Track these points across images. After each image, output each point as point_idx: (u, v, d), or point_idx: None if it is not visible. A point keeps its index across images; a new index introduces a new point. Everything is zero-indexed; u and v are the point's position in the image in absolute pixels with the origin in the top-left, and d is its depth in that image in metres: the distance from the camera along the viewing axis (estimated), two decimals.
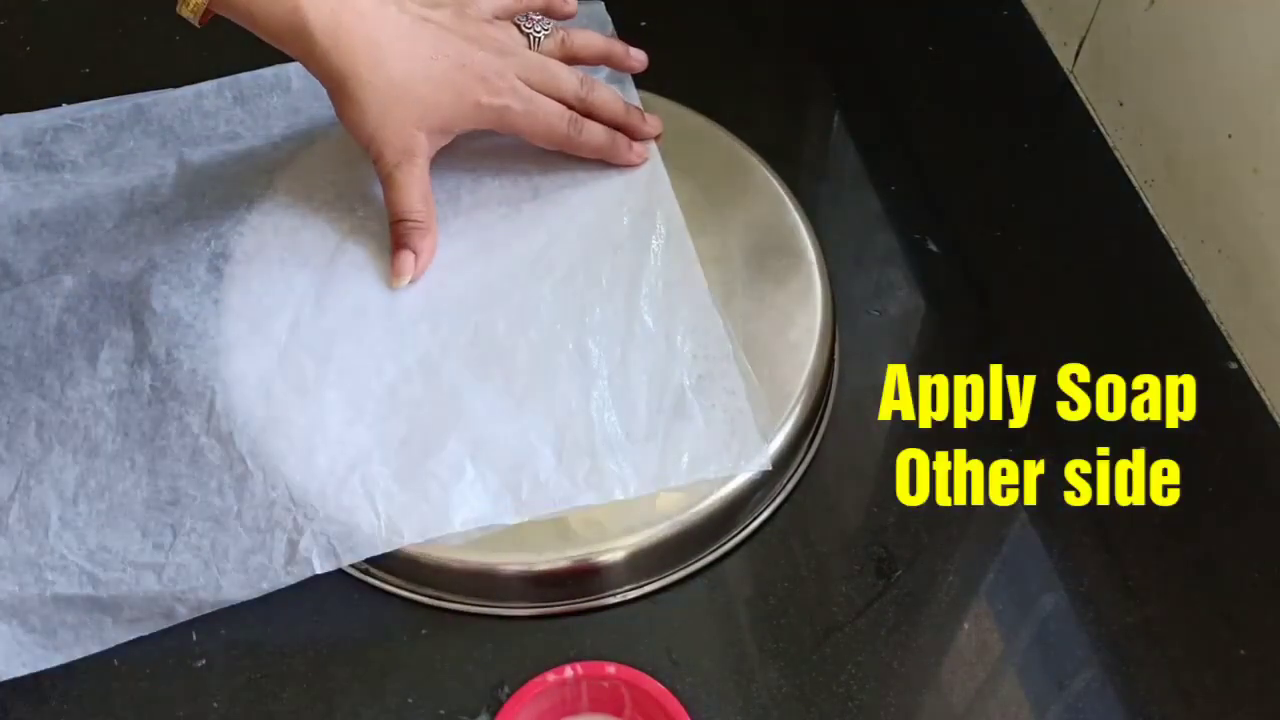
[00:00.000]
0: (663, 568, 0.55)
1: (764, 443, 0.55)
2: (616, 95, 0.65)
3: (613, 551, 0.53)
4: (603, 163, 0.64)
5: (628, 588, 0.54)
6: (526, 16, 0.64)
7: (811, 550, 0.56)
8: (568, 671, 0.48)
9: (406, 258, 0.59)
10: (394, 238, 0.60)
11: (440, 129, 0.60)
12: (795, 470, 0.58)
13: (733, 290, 0.60)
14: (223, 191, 0.64)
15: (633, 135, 0.65)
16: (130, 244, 0.62)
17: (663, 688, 0.48)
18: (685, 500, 0.54)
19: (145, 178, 0.65)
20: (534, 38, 0.63)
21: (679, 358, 0.57)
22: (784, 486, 0.58)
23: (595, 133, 0.63)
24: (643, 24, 0.76)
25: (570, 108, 0.62)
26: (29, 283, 0.61)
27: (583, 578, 0.54)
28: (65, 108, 0.69)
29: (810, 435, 0.59)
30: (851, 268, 0.65)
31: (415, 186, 0.59)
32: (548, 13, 0.65)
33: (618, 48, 0.67)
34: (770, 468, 0.55)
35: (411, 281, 0.60)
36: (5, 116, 0.69)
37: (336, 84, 0.58)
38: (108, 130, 0.68)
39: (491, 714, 0.51)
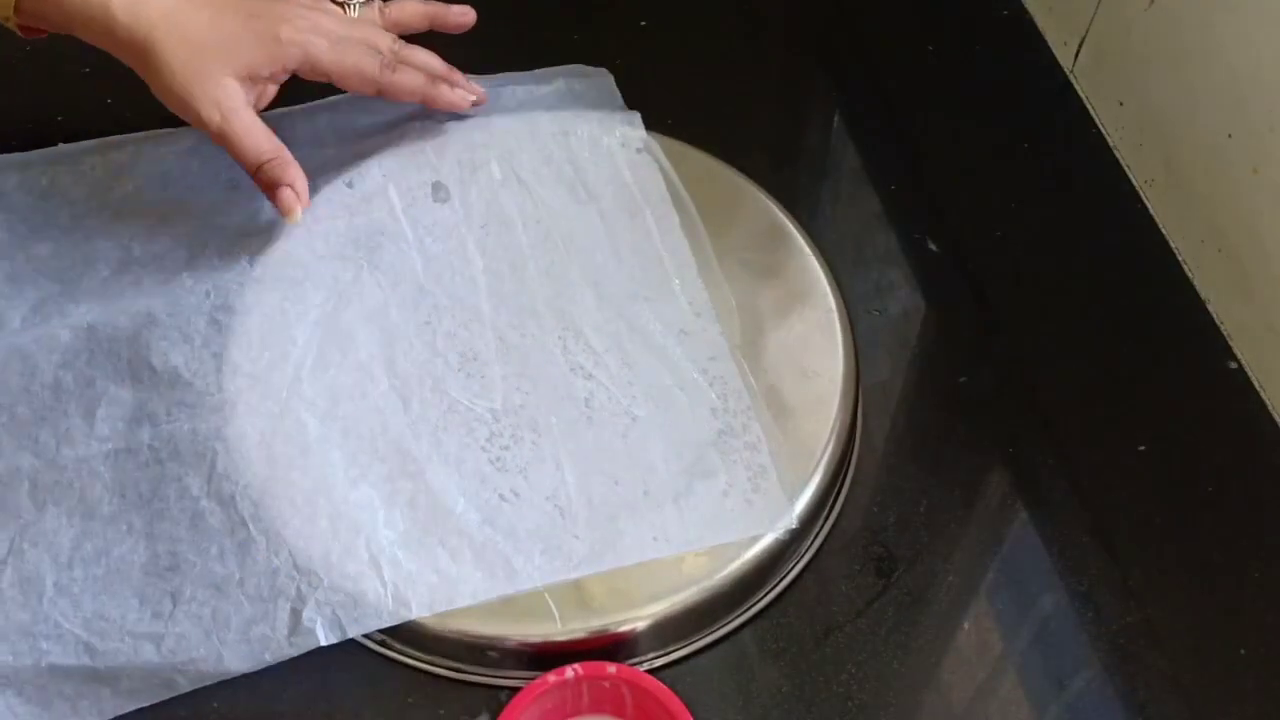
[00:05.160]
0: (685, 635, 0.53)
1: (789, 502, 0.54)
2: (435, 56, 0.65)
3: (635, 621, 0.52)
4: (606, 219, 0.63)
5: (651, 655, 0.53)
6: None
7: (812, 549, 0.56)
8: (568, 672, 0.48)
9: (286, 194, 0.59)
10: (262, 185, 0.60)
11: (249, 74, 0.59)
12: (821, 526, 0.56)
13: (751, 340, 0.59)
14: (223, 241, 0.62)
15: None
16: (128, 294, 0.60)
17: (664, 686, 0.48)
18: (710, 565, 0.52)
19: (144, 224, 0.63)
20: (350, 5, 0.64)
21: (698, 412, 0.56)
22: (810, 545, 0.56)
23: (411, 74, 0.63)
24: (642, 24, 0.76)
25: None
26: (22, 331, 0.59)
27: (604, 647, 0.52)
28: (63, 146, 0.67)
29: (836, 488, 0.57)
30: (851, 268, 0.65)
31: (253, 131, 0.59)
32: None
33: (440, 8, 0.67)
34: (796, 526, 0.53)
35: (301, 213, 0.60)
36: (1, 156, 0.67)
37: (140, 57, 0.58)
38: (107, 173, 0.66)
39: (492, 715, 0.50)
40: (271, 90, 0.62)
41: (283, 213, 0.60)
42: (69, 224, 0.64)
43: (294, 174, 0.60)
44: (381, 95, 0.63)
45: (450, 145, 0.66)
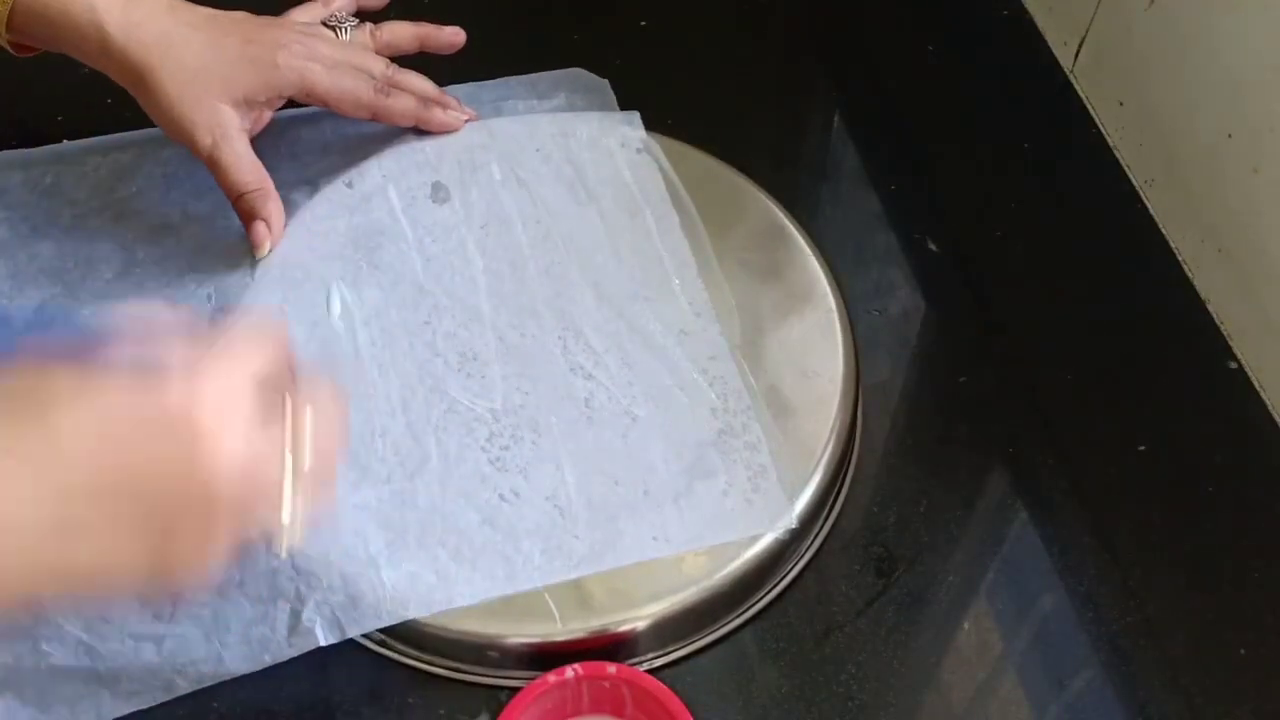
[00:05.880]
0: (685, 635, 0.53)
1: (789, 501, 0.54)
2: (427, 79, 0.66)
3: (635, 621, 0.52)
4: (606, 219, 0.63)
5: (651, 655, 0.53)
6: (333, 15, 0.65)
7: (812, 549, 0.56)
8: (568, 672, 0.48)
9: (259, 227, 0.60)
10: (240, 213, 0.60)
11: (245, 99, 0.60)
12: (821, 526, 0.56)
13: (751, 340, 0.59)
14: (224, 244, 0.62)
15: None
16: (130, 297, 0.61)
17: (664, 686, 0.48)
18: (710, 565, 0.52)
19: (148, 226, 0.64)
20: (341, 29, 0.64)
21: (698, 412, 0.56)
22: (810, 545, 0.56)
23: (405, 99, 0.64)
24: (643, 24, 0.76)
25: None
26: (24, 334, 0.59)
27: (604, 647, 0.52)
28: (66, 144, 0.68)
29: (836, 488, 0.57)
30: (852, 267, 0.65)
31: (241, 160, 0.60)
32: (359, 13, 0.66)
33: (431, 29, 0.67)
34: (796, 526, 0.53)
35: (271, 248, 0.60)
36: (4, 153, 0.67)
37: (135, 79, 0.58)
38: (110, 173, 0.66)
39: (492, 715, 0.50)
40: (267, 115, 0.62)
41: (253, 245, 0.60)
42: (71, 224, 0.64)
43: (271, 209, 0.60)
44: (375, 119, 0.64)
45: (450, 146, 0.66)
